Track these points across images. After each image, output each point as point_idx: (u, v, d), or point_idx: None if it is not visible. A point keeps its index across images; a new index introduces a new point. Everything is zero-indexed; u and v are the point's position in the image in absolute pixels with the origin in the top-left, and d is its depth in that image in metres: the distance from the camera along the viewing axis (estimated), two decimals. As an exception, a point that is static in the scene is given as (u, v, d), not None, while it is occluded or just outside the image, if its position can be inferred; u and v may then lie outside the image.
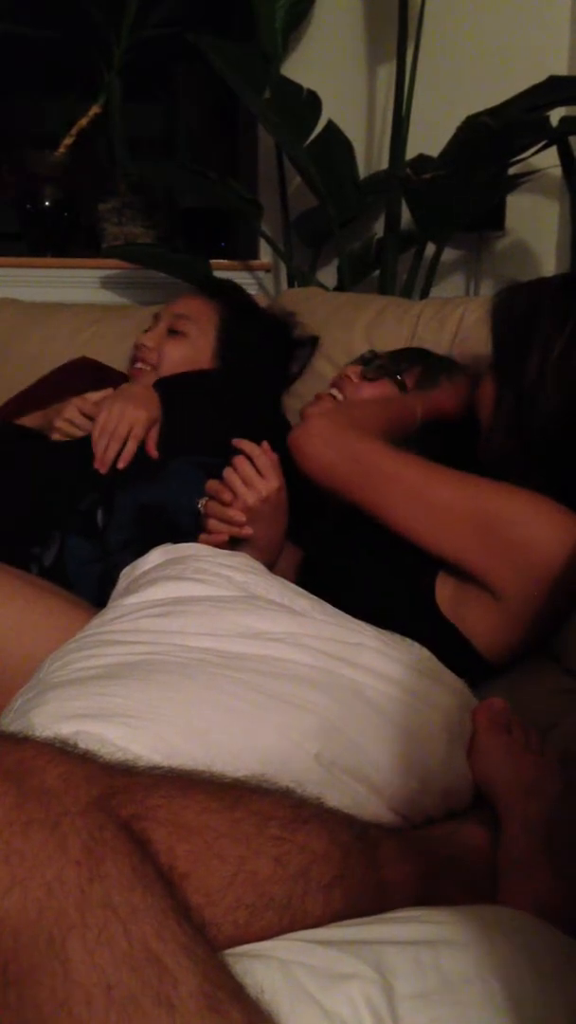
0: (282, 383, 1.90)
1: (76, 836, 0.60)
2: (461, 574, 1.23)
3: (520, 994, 0.70)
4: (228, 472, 1.33)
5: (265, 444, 1.35)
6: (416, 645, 1.12)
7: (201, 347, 1.79)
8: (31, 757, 0.64)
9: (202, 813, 0.72)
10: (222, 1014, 0.57)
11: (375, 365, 1.58)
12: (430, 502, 1.25)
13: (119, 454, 1.55)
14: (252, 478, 1.32)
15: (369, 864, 0.81)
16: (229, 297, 1.90)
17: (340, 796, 0.88)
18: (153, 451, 1.58)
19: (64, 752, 0.68)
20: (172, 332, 1.79)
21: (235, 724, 0.89)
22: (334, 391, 1.59)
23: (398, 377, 1.56)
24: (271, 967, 0.66)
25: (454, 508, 1.23)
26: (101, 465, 1.54)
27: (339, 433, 1.33)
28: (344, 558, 1.35)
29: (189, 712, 0.89)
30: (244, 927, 0.70)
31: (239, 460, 1.33)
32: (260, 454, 1.33)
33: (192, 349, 1.78)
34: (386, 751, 0.96)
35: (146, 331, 1.83)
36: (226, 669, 0.96)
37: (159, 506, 1.49)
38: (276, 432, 1.44)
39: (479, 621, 1.22)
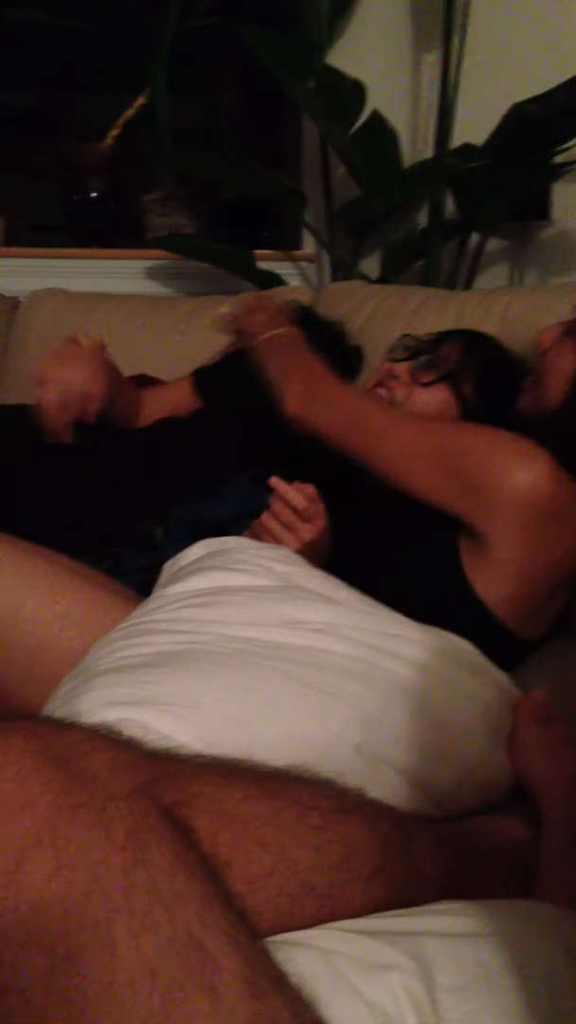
0: None
1: (121, 821, 0.61)
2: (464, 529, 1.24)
3: (558, 987, 0.70)
4: (267, 518, 1.29)
5: (310, 488, 1.29)
6: (457, 638, 1.11)
7: None
8: (77, 742, 0.65)
9: (244, 801, 0.73)
10: (264, 1000, 0.57)
11: (424, 361, 1.51)
12: (399, 443, 1.28)
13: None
14: (294, 523, 1.27)
15: (409, 856, 0.81)
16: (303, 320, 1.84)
17: (380, 788, 0.89)
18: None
19: (109, 738, 0.68)
20: None
21: (275, 714, 0.89)
22: (382, 392, 1.52)
23: (457, 386, 1.47)
24: (312, 956, 0.66)
25: (420, 447, 1.26)
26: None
27: (322, 387, 1.37)
28: (364, 528, 1.35)
29: (230, 702, 0.89)
30: (285, 916, 0.71)
31: (279, 506, 1.28)
32: (303, 500, 1.27)
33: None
34: (426, 744, 0.96)
35: None
36: (267, 659, 0.97)
37: (215, 521, 1.48)
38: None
39: (480, 576, 1.22)
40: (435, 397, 1.48)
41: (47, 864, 0.58)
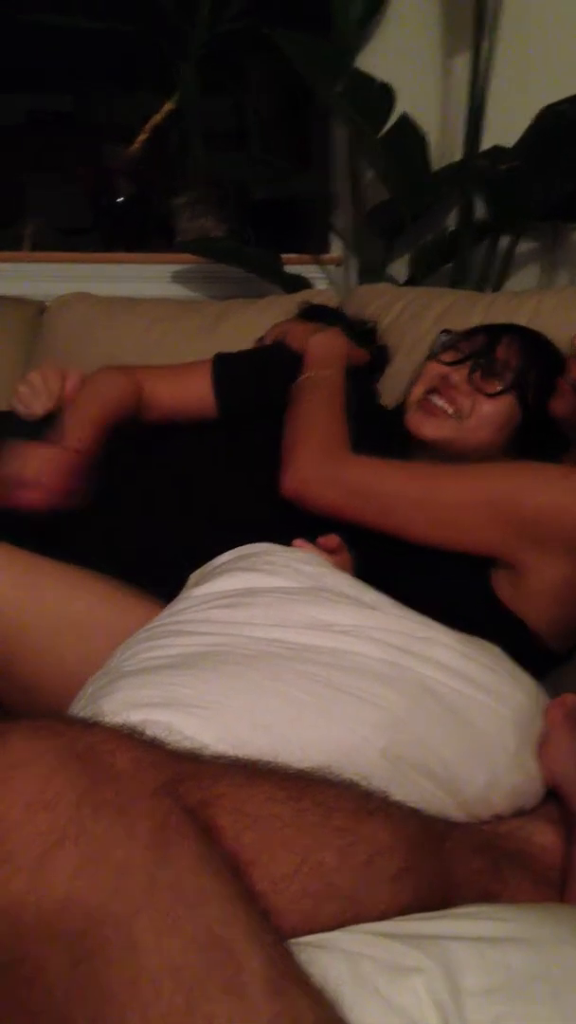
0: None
1: (145, 820, 0.61)
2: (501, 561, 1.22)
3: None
4: None
5: (330, 539, 1.24)
6: (487, 643, 1.10)
7: None
8: (101, 741, 0.65)
9: (267, 802, 0.73)
10: (286, 1000, 0.57)
11: (485, 366, 1.43)
12: (441, 505, 1.23)
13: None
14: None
15: (435, 858, 0.81)
16: (325, 319, 1.78)
17: (407, 791, 0.88)
18: None
19: (133, 738, 0.69)
20: None
21: (301, 717, 0.89)
22: (439, 401, 1.43)
23: (523, 394, 1.41)
24: (336, 958, 0.66)
25: (464, 503, 1.22)
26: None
27: (324, 465, 1.30)
28: (394, 571, 1.28)
29: (255, 704, 0.89)
30: (309, 917, 0.71)
31: None
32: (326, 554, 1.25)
33: None
34: (454, 747, 0.95)
35: None
36: (293, 661, 0.96)
37: None
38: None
39: (520, 600, 1.20)
40: (500, 408, 1.41)
41: (71, 861, 0.58)
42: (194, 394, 1.59)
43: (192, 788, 0.69)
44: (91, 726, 0.68)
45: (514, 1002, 0.67)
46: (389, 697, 0.95)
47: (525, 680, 1.08)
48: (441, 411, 1.42)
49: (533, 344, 1.48)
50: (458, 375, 1.43)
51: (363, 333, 1.77)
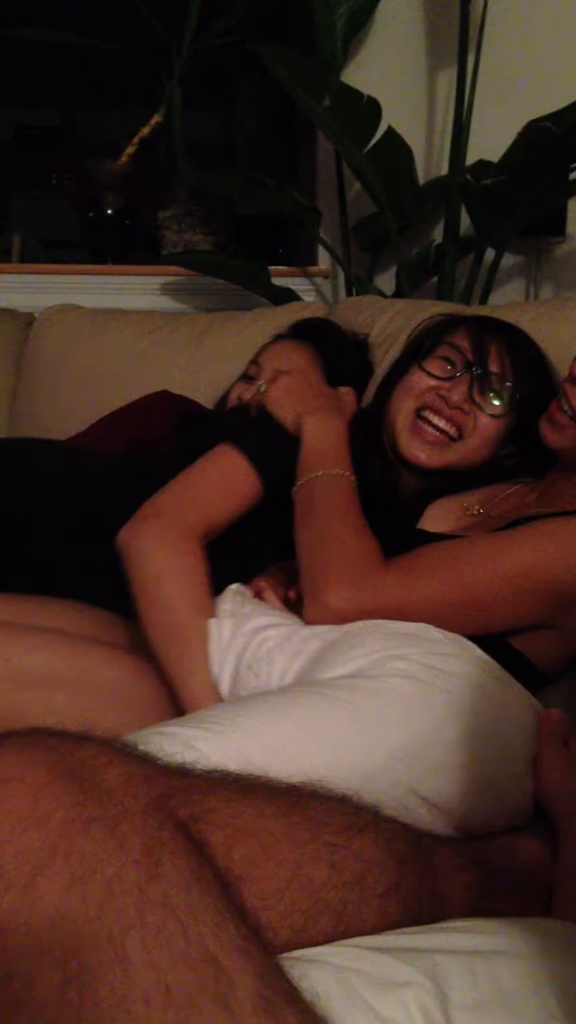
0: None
1: (135, 835, 0.61)
2: None
3: (574, 1009, 0.70)
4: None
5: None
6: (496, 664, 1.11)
7: None
8: (92, 756, 0.65)
9: (258, 817, 0.73)
10: (277, 1016, 0.57)
11: (482, 379, 1.36)
12: (480, 607, 1.15)
13: None
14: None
15: (425, 873, 0.81)
16: (321, 338, 1.67)
17: (403, 813, 0.89)
18: None
19: (124, 752, 0.68)
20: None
21: (313, 741, 0.91)
22: (443, 424, 1.36)
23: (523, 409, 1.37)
24: (326, 972, 0.66)
25: (504, 597, 1.14)
26: None
27: (358, 596, 1.15)
28: None
29: (267, 725, 0.90)
30: (299, 932, 0.71)
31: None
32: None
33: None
34: (469, 776, 0.95)
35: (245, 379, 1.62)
36: (316, 684, 0.98)
37: None
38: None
39: (535, 645, 1.20)
40: (500, 424, 1.38)
41: (61, 878, 0.58)
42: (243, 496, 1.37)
43: (183, 803, 0.69)
44: (82, 741, 0.67)
45: (502, 1017, 0.68)
46: (412, 723, 0.95)
47: (531, 700, 1.09)
48: (438, 437, 1.36)
49: (517, 346, 1.43)
50: (458, 393, 1.36)
51: (357, 346, 1.76)
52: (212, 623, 1.17)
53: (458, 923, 0.78)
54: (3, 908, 0.57)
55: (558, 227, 2.37)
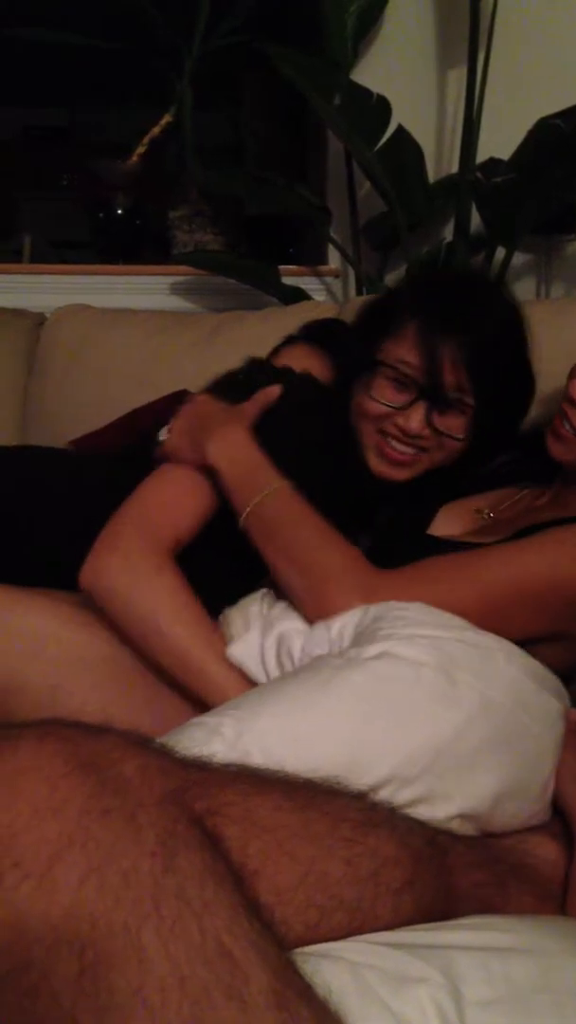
0: None
1: (151, 828, 0.61)
2: None
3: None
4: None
5: None
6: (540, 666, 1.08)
7: None
8: (108, 749, 0.65)
9: (274, 812, 0.73)
10: (291, 1012, 0.57)
11: (446, 404, 1.28)
12: (486, 612, 1.11)
13: None
14: None
15: (439, 870, 0.81)
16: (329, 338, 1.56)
17: (425, 810, 0.88)
18: None
19: (141, 744, 0.69)
20: None
21: (334, 732, 0.90)
22: (406, 449, 1.31)
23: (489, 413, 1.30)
24: (340, 968, 0.66)
25: (509, 606, 1.12)
26: None
27: (376, 599, 1.10)
28: None
29: (289, 714, 0.90)
30: (314, 927, 0.71)
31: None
32: None
33: None
34: (494, 777, 0.94)
35: None
36: (344, 670, 0.95)
37: None
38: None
39: (546, 657, 1.19)
40: (465, 435, 1.31)
41: (78, 868, 0.58)
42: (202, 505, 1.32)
43: (199, 796, 0.69)
44: (99, 732, 0.68)
45: (516, 1013, 0.68)
46: (442, 719, 0.93)
47: (562, 698, 1.07)
48: (404, 457, 1.32)
49: (478, 345, 1.28)
50: (415, 421, 1.28)
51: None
52: (239, 635, 1.16)
53: (473, 920, 0.78)
54: (20, 897, 0.57)
55: (569, 225, 2.36)
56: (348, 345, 1.57)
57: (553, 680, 1.07)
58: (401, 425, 1.29)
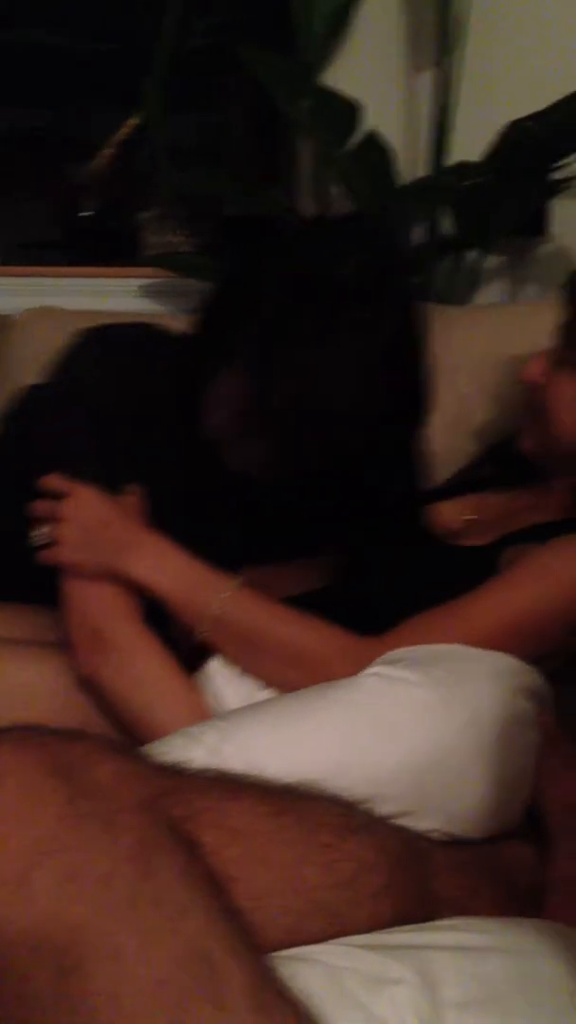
0: None
1: (128, 833, 0.62)
2: None
3: (565, 1006, 0.70)
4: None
5: None
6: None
7: None
8: (85, 753, 0.66)
9: (251, 818, 0.74)
10: (269, 1014, 0.58)
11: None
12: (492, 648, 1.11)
13: None
14: None
15: (417, 875, 0.82)
16: None
17: (409, 822, 0.88)
18: None
19: (116, 749, 0.69)
20: None
21: (322, 744, 0.90)
22: None
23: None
24: (317, 971, 0.67)
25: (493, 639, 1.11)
26: None
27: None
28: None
29: (276, 726, 0.90)
30: (291, 932, 0.72)
31: None
32: None
33: None
34: (482, 791, 0.94)
35: None
36: (333, 687, 0.96)
37: None
38: None
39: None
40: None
41: (56, 874, 0.59)
42: None
43: (175, 803, 0.70)
44: (74, 738, 0.68)
45: (491, 1014, 0.68)
46: (430, 733, 0.93)
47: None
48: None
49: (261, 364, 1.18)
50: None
51: None
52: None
53: (449, 921, 0.78)
54: None
55: (541, 227, 2.38)
56: None
57: (541, 687, 1.06)
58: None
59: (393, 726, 0.91)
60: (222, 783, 0.77)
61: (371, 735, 0.90)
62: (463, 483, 1.46)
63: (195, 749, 0.85)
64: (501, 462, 1.45)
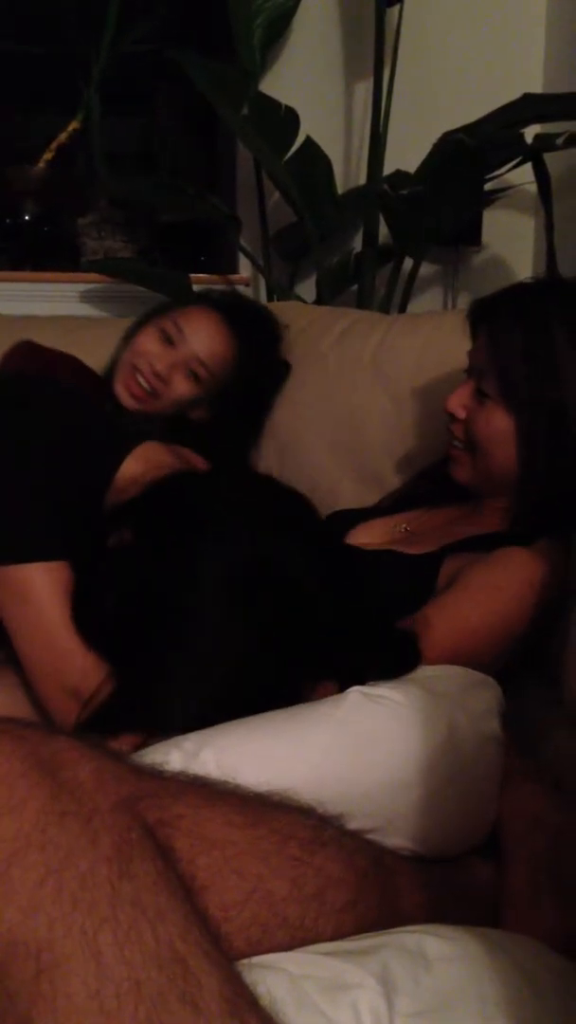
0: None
1: (107, 833, 0.62)
2: None
3: (516, 1012, 0.71)
4: None
5: None
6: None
7: (207, 391, 1.68)
8: (64, 750, 0.66)
9: (225, 827, 0.73)
10: (241, 1019, 0.58)
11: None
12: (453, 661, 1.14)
13: None
14: None
15: (383, 891, 0.81)
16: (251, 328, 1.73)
17: (377, 838, 0.88)
18: None
19: (94, 748, 0.69)
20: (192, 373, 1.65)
21: (299, 755, 0.89)
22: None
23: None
24: (279, 978, 0.67)
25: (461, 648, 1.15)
26: None
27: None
28: None
29: (253, 735, 0.90)
30: (255, 944, 0.72)
31: None
32: None
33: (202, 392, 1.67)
34: (456, 809, 0.94)
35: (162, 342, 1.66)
36: (315, 704, 0.95)
37: None
38: None
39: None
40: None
41: (36, 869, 0.58)
42: None
43: (151, 807, 0.69)
44: (54, 733, 0.68)
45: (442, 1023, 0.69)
46: (410, 751, 0.92)
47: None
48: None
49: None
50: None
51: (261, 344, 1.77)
52: None
53: (408, 927, 0.78)
54: None
55: (474, 236, 2.42)
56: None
57: (503, 702, 1.07)
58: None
59: (372, 743, 0.91)
60: (197, 789, 0.77)
61: (350, 751, 0.90)
62: (398, 501, 1.50)
63: (172, 752, 0.85)
64: (434, 482, 1.48)
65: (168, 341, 1.66)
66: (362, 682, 0.98)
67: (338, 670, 1.02)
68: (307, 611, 1.01)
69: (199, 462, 1.33)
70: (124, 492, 1.13)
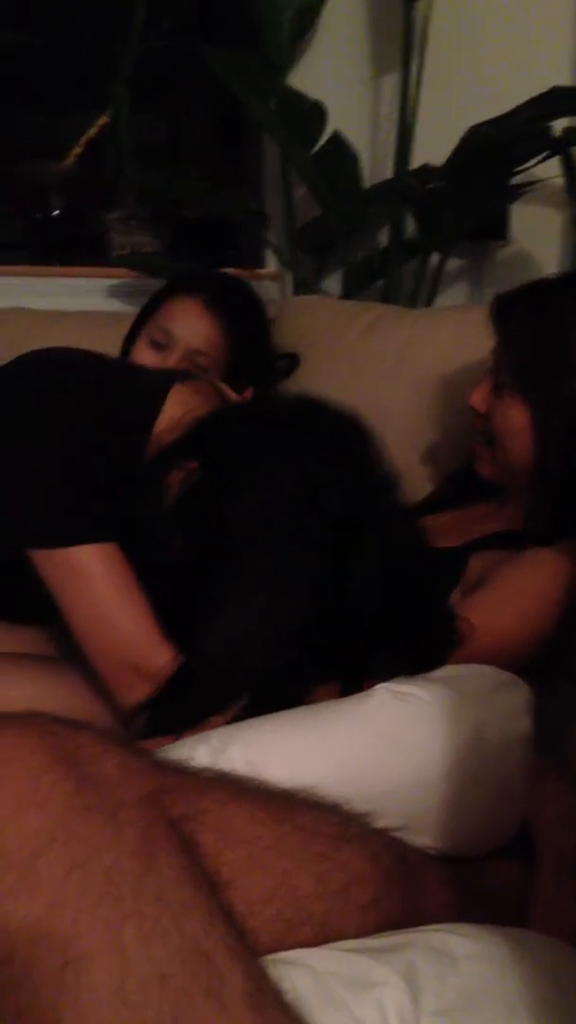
0: None
1: (132, 827, 0.62)
2: None
3: (542, 1012, 0.71)
4: None
5: None
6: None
7: (219, 371, 1.64)
8: (89, 744, 0.66)
9: (250, 822, 0.74)
10: (265, 1014, 0.59)
11: None
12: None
13: None
14: None
15: (408, 889, 0.82)
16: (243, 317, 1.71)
17: (401, 835, 0.88)
18: None
19: (118, 743, 0.69)
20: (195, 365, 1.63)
21: (325, 755, 0.89)
22: None
23: None
24: (304, 974, 0.68)
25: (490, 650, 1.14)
26: None
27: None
28: None
29: (280, 731, 0.90)
30: (280, 939, 0.72)
31: None
32: None
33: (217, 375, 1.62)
34: (482, 812, 0.95)
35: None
36: (343, 701, 0.96)
37: None
38: None
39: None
40: None
41: (61, 863, 0.59)
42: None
43: (176, 801, 0.69)
44: (79, 728, 0.68)
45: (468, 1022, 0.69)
46: (437, 749, 0.92)
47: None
48: None
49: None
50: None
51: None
52: None
53: (434, 925, 0.79)
54: (3, 888, 0.58)
55: (501, 231, 2.40)
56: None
57: (533, 702, 1.06)
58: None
59: (400, 741, 0.91)
60: (223, 785, 0.77)
61: (377, 749, 0.90)
62: (423, 505, 1.50)
63: (199, 747, 0.85)
64: (458, 485, 1.49)
65: (159, 347, 1.65)
66: (362, 683, 0.98)
67: (343, 668, 1.03)
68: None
69: (229, 393, 1.36)
70: (168, 435, 1.14)
